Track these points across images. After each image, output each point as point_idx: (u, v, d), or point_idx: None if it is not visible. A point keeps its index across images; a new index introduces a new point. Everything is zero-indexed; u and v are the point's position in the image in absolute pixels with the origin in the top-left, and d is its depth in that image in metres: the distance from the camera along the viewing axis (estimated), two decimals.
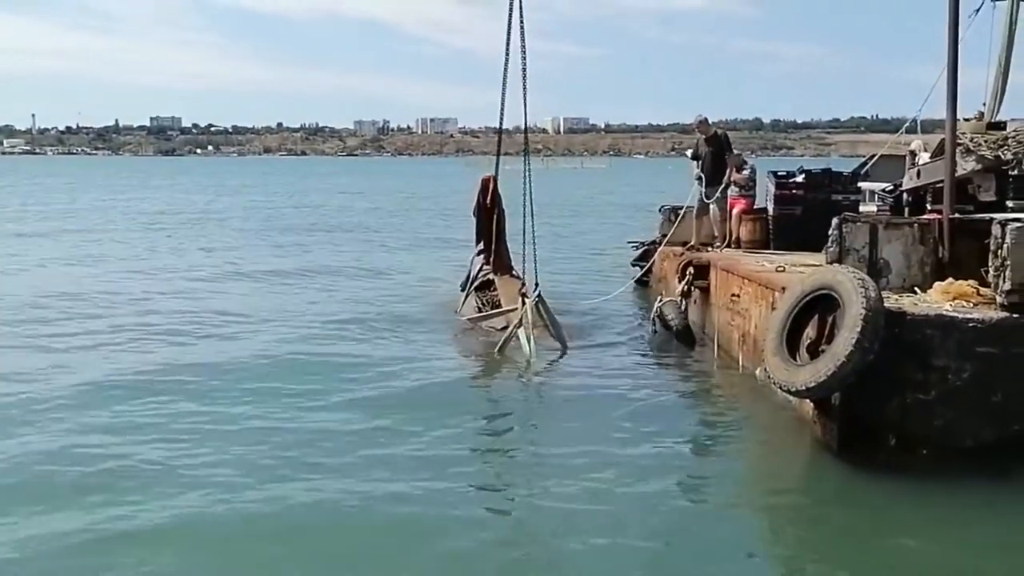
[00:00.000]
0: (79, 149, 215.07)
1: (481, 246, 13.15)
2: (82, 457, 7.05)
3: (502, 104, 11.43)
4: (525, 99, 11.35)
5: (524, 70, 11.16)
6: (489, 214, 12.70)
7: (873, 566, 5.65)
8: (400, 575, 5.46)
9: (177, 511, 6.14)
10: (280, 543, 5.73)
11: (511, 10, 11.00)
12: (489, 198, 12.68)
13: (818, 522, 6.50)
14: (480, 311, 12.41)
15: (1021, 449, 6.94)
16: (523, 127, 12.56)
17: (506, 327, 11.00)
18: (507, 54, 11.17)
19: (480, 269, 13.29)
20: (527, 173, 11.63)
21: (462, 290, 13.53)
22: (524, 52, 11.10)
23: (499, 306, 11.97)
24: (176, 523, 5.97)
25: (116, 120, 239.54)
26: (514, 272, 12.42)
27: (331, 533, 5.89)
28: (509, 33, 11.10)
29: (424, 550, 5.67)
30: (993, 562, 5.76)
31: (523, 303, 10.82)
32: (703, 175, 13.44)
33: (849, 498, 6.76)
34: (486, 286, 13.04)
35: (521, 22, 11.00)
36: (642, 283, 15.90)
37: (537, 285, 11.37)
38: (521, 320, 10.62)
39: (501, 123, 12.03)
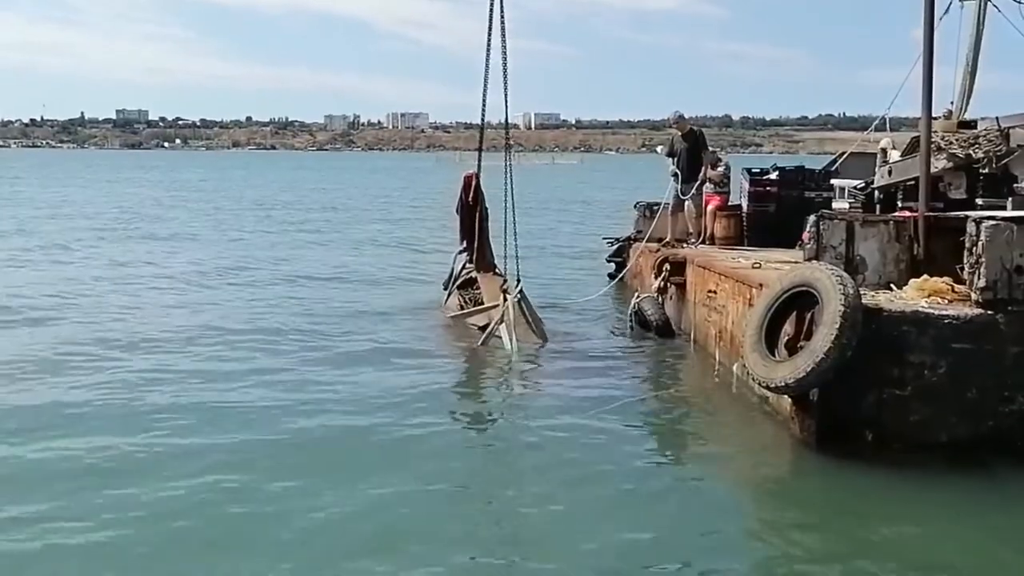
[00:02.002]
0: (43, 142, 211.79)
1: (464, 244, 13.11)
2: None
3: (483, 101, 11.40)
4: (506, 96, 11.28)
5: (505, 67, 11.15)
6: (472, 211, 12.65)
7: (850, 561, 5.68)
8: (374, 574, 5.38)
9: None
10: (258, 537, 5.69)
11: (491, 8, 11.01)
12: (472, 195, 12.63)
13: (796, 517, 6.52)
14: (463, 309, 12.34)
15: (995, 445, 7.04)
16: (495, 123, 12.54)
17: (488, 324, 10.97)
18: (488, 51, 11.17)
19: (463, 267, 13.22)
20: (508, 169, 11.61)
21: (445, 288, 13.45)
22: (505, 50, 11.09)
23: (482, 304, 11.92)
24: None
25: (82, 113, 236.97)
26: (497, 270, 12.39)
27: (300, 527, 5.83)
28: (490, 31, 11.11)
29: (398, 548, 5.59)
30: (968, 555, 5.82)
31: (504, 299, 10.78)
32: (679, 171, 13.47)
33: (827, 493, 6.81)
34: (469, 284, 12.95)
35: (502, 19, 11.01)
36: (617, 278, 15.95)
37: (519, 282, 11.34)
38: (503, 316, 10.59)
39: (483, 120, 12.00)
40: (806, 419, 7.35)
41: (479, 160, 12.70)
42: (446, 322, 12.36)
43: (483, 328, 11.09)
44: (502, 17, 10.95)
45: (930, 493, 6.62)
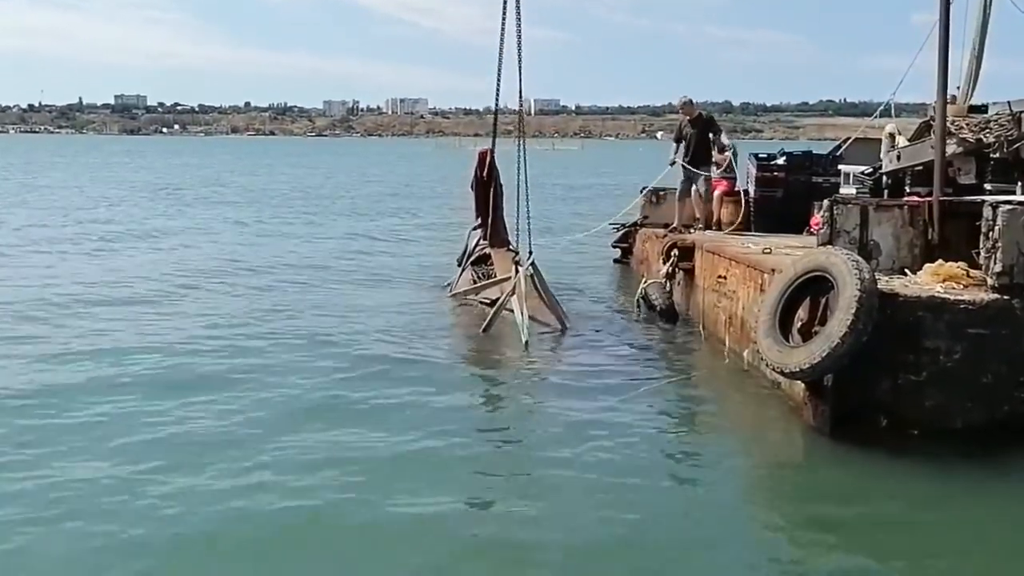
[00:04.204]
0: (42, 127, 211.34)
1: (478, 220, 13.10)
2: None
3: (498, 83, 11.53)
4: (520, 80, 11.41)
5: (519, 51, 11.23)
6: (486, 188, 12.64)
7: (865, 547, 5.66)
8: (376, 565, 5.31)
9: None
10: (262, 528, 5.66)
11: None
12: (486, 171, 12.62)
13: (808, 503, 6.49)
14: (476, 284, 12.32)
15: (1010, 430, 7.01)
16: (500, 107, 12.66)
17: (499, 298, 10.87)
18: (502, 36, 11.27)
19: (477, 243, 13.20)
20: (521, 148, 11.62)
21: (459, 265, 13.43)
22: (519, 34, 11.19)
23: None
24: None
25: (80, 98, 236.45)
26: (511, 246, 12.39)
27: (307, 514, 5.81)
28: (504, 16, 11.21)
29: (403, 539, 5.54)
30: (983, 540, 5.80)
31: (516, 272, 10.72)
32: (687, 156, 13.40)
33: (840, 479, 6.76)
34: (483, 260, 12.94)
35: (518, 5, 11.11)
36: (622, 264, 15.94)
37: (531, 254, 11.30)
38: (514, 288, 10.51)
39: (496, 101, 12.16)
40: (820, 405, 7.31)
41: (493, 137, 12.73)
42: (458, 301, 12.32)
43: (492, 303, 11.00)
44: (518, 3, 11.11)
45: (945, 479, 6.58)
